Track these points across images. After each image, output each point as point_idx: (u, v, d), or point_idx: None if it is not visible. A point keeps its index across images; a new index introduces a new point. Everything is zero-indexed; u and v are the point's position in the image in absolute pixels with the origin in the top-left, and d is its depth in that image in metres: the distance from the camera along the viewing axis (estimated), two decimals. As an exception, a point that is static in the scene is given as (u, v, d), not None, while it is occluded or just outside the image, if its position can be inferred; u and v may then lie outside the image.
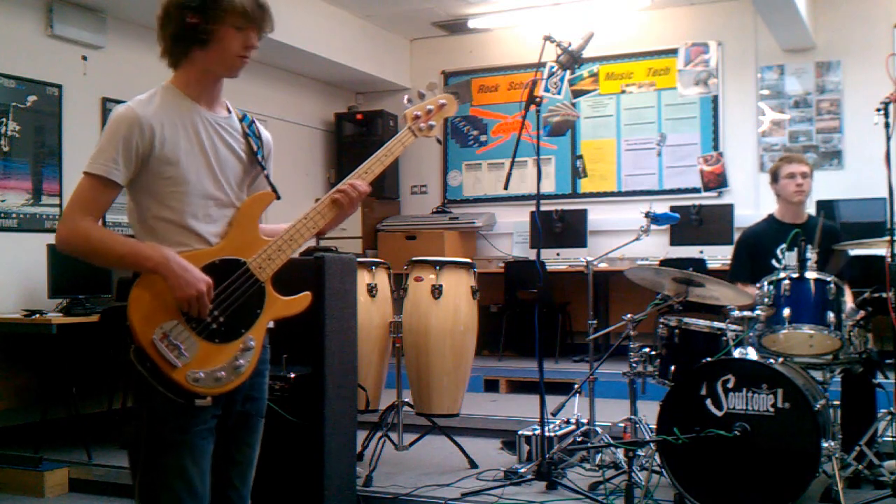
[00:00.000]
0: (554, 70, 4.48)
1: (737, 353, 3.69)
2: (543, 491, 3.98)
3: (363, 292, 4.45)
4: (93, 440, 4.93)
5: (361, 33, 8.10)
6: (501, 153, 8.42)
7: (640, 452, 3.86)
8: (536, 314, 4.12)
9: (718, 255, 6.97)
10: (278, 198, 2.26)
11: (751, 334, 3.76)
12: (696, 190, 7.73)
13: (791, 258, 3.79)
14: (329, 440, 3.70)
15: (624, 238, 4.76)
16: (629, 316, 4.25)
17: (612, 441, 4.25)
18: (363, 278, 4.47)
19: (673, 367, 3.95)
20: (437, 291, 4.52)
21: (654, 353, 4.06)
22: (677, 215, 4.69)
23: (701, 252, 7.08)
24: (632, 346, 4.16)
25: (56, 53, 5.92)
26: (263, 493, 2.59)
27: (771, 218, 4.44)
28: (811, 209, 5.50)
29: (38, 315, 5.06)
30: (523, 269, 7.30)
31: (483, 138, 8.60)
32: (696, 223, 7.30)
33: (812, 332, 3.69)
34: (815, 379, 3.83)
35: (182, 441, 2.06)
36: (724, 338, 3.84)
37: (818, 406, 3.50)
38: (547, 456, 4.07)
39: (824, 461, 3.44)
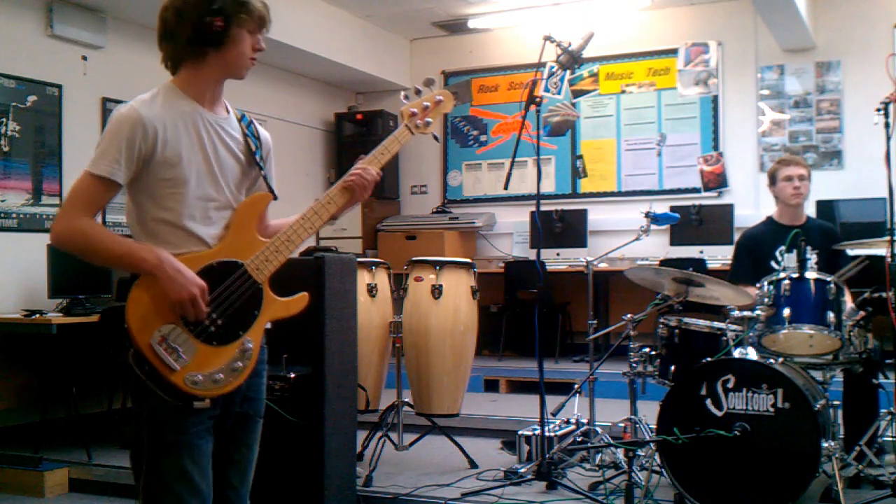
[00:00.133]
0: (554, 70, 4.47)
1: (737, 353, 3.69)
2: (543, 491, 3.98)
3: (363, 292, 4.45)
4: (93, 440, 4.93)
5: (361, 33, 8.09)
6: (501, 153, 8.42)
7: (640, 452, 3.85)
8: (536, 314, 4.12)
9: (718, 255, 6.97)
10: (275, 198, 2.26)
11: (751, 334, 3.76)
12: (696, 190, 7.72)
13: (790, 260, 3.79)
14: (329, 440, 3.70)
15: (624, 238, 4.76)
16: (629, 316, 4.25)
17: (612, 441, 4.25)
18: (363, 278, 4.47)
19: (673, 367, 3.95)
20: (437, 291, 4.52)
21: (654, 353, 4.06)
22: (677, 215, 4.69)
23: (701, 252, 7.08)
24: (632, 346, 4.16)
25: (56, 53, 5.92)
26: (263, 493, 2.59)
27: (769, 220, 4.44)
28: (811, 210, 5.50)
29: (38, 315, 5.06)
30: (523, 269, 7.30)
31: (483, 138, 8.59)
32: (696, 223, 7.29)
33: (812, 332, 3.69)
34: (815, 379, 3.84)
35: (180, 442, 2.06)
36: (724, 338, 3.84)
37: (818, 406, 3.50)
38: (547, 456, 4.07)
39: (824, 461, 3.44)
